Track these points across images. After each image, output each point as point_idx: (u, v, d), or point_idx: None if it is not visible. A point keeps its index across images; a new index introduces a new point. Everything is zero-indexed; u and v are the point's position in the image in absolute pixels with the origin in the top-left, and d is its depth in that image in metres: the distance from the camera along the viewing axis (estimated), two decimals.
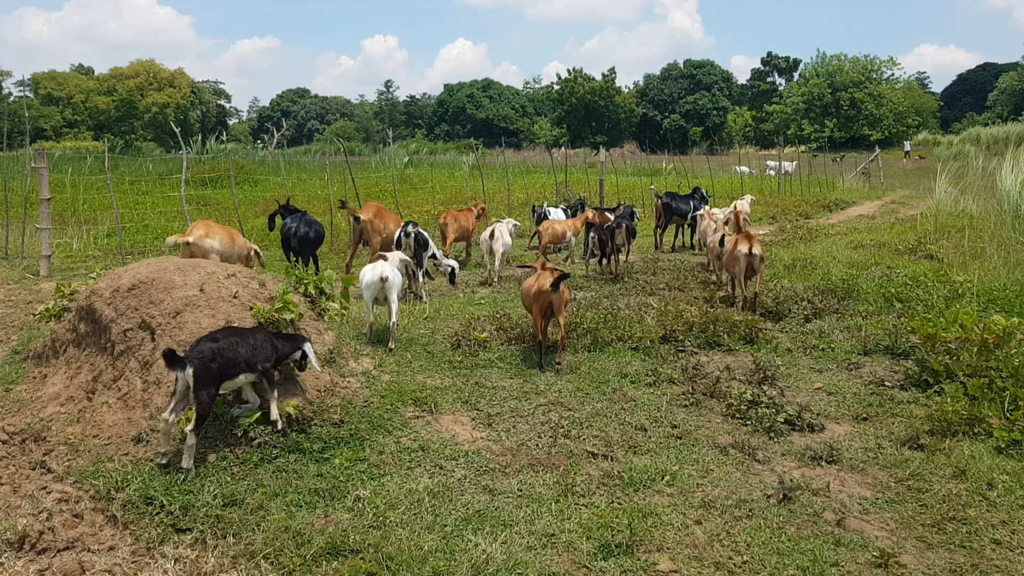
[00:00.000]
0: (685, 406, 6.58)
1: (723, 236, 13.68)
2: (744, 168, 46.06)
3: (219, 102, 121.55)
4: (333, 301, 7.36)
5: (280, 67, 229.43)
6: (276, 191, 26.12)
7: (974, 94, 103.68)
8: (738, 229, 11.32)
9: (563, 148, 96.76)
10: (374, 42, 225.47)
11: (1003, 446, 5.65)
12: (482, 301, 10.95)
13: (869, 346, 8.24)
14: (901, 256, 14.92)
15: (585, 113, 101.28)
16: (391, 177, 29.41)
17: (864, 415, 6.44)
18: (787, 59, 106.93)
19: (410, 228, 11.09)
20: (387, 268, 8.53)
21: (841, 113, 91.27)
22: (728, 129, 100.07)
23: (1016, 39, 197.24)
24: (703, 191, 20.21)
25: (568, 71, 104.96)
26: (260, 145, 77.86)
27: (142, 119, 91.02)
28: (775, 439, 5.95)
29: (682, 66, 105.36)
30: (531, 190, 26.25)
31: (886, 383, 7.18)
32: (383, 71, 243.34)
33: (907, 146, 77.94)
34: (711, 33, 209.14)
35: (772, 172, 39.76)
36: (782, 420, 6.15)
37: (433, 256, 11.54)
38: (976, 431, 5.93)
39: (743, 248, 10.02)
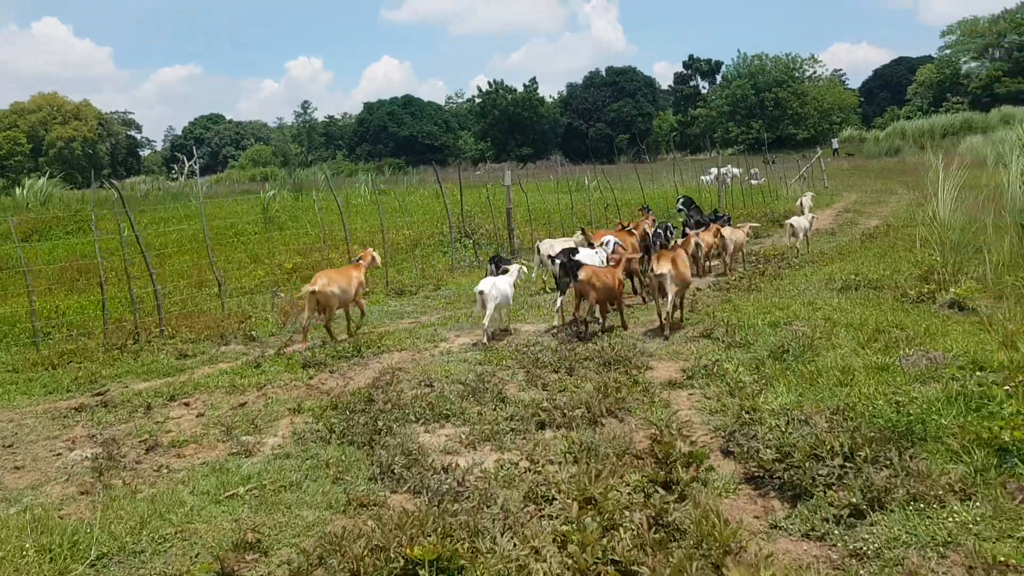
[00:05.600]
0: None
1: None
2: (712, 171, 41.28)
3: (129, 133, 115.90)
4: None
5: (202, 94, 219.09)
6: (110, 248, 20.72)
7: (891, 88, 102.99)
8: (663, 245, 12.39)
9: (487, 162, 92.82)
10: (298, 64, 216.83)
11: None
12: None
13: None
14: (917, 308, 10.47)
15: (509, 125, 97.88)
16: (262, 214, 24.30)
17: None
18: (708, 61, 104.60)
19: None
20: (487, 282, 10.31)
21: (766, 113, 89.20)
22: (654, 135, 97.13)
23: (922, 34, 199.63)
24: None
25: (489, 83, 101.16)
26: (173, 175, 71.95)
27: (43, 156, 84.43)
28: None
29: (604, 74, 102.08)
30: (421, 227, 21.21)
31: None
32: (307, 93, 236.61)
33: (835, 143, 76.01)
34: (633, 41, 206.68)
35: (709, 179, 35.61)
36: None
37: None
38: None
39: (653, 267, 10.06)
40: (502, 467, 5.91)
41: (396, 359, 9.66)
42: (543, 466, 5.87)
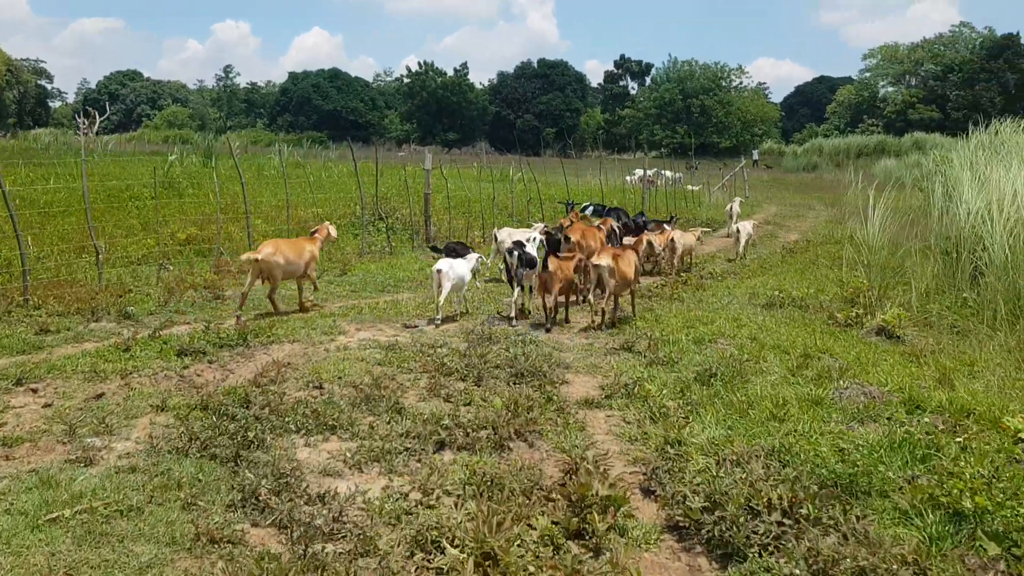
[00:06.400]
0: None
1: None
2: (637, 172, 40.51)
3: (39, 82, 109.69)
4: None
5: (121, 49, 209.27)
6: None
7: (811, 106, 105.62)
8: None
9: (412, 144, 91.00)
10: (225, 27, 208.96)
11: None
12: None
13: None
14: (846, 333, 10.04)
15: (437, 109, 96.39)
16: (162, 178, 22.65)
17: None
18: (639, 63, 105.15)
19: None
20: (445, 262, 10.34)
21: (692, 119, 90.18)
22: (581, 131, 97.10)
23: (844, 55, 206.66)
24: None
25: (420, 64, 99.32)
26: (83, 130, 67.96)
27: None
28: None
29: (536, 66, 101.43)
30: (334, 205, 20.05)
31: None
32: (232, 57, 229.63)
33: (755, 155, 77.29)
34: (566, 36, 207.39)
35: (634, 180, 35.27)
36: None
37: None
38: None
39: (594, 259, 10.21)
40: (389, 497, 5.05)
41: (286, 352, 8.66)
42: (438, 498, 5.04)
